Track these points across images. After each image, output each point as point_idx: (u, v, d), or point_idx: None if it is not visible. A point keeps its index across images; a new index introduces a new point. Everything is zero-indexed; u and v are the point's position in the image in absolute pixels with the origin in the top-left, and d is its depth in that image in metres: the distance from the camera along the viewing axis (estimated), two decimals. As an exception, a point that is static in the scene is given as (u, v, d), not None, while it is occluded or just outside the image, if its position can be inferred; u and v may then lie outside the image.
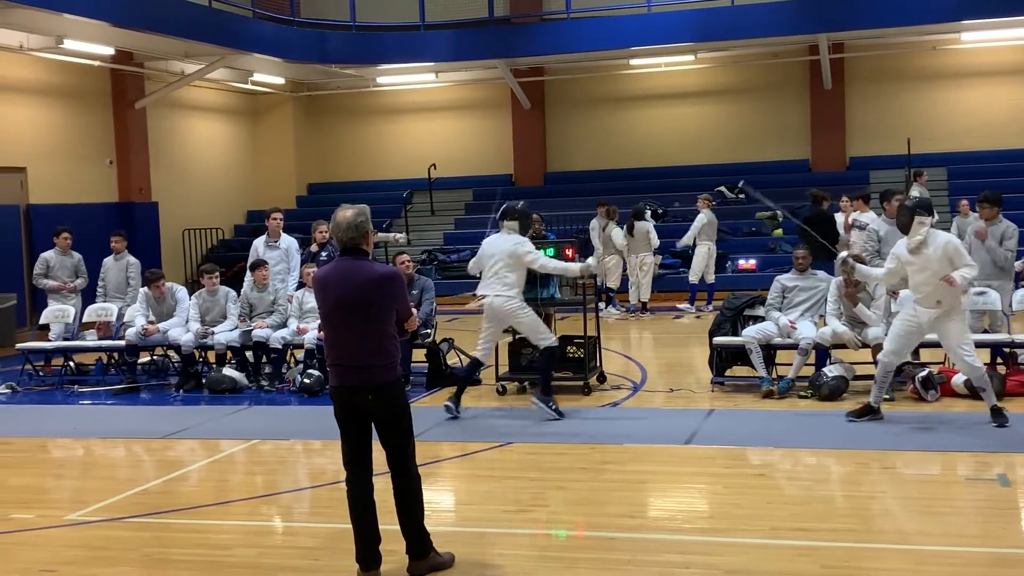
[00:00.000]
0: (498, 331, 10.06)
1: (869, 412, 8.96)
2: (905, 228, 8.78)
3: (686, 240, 18.09)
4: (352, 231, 5.73)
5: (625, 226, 17.97)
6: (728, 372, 11.00)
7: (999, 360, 10.35)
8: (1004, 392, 9.69)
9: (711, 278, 18.00)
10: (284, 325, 11.96)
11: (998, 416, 8.67)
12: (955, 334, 8.73)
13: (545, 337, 9.79)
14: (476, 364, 10.15)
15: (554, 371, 10.31)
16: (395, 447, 5.73)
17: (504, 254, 9.70)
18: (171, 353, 12.73)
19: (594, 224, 18.05)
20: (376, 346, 5.63)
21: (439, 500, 7.78)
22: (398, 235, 14.85)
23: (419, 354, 11.70)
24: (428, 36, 22.30)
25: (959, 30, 20.90)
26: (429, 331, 11.62)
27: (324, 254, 13.06)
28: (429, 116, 25.77)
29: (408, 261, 11.80)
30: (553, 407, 9.62)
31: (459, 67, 23.69)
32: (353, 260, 5.74)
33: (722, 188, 22.36)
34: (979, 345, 10.48)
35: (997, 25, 20.38)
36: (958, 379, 9.83)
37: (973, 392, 9.68)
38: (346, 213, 5.78)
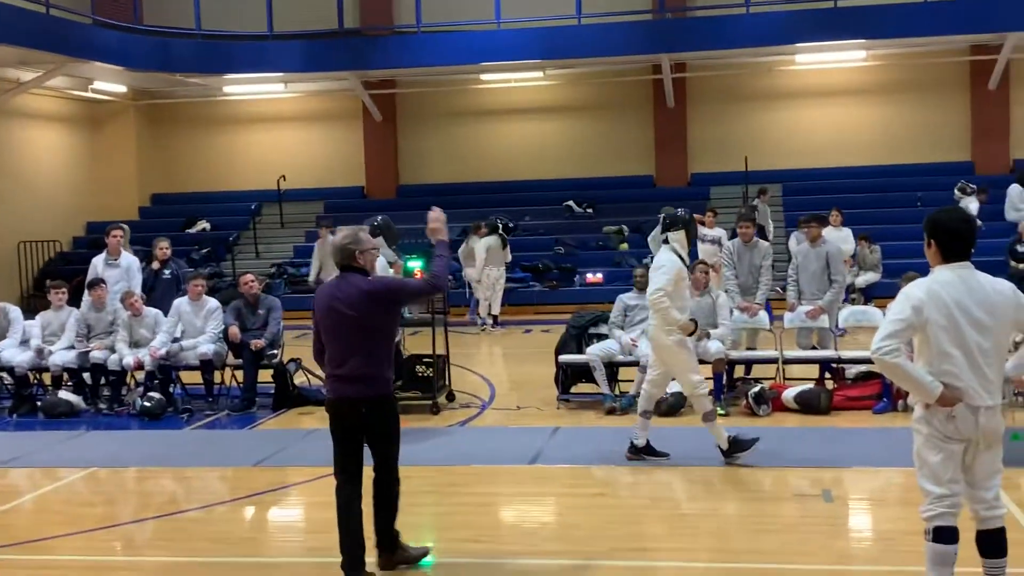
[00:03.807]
0: None
1: None
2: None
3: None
4: (339, 254, 6.04)
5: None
6: (574, 389, 11.24)
7: (827, 375, 10.86)
8: (831, 407, 10.19)
9: None
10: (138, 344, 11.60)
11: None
12: None
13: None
14: None
15: (402, 391, 10.42)
16: (383, 454, 6.11)
17: None
18: (3, 375, 12.23)
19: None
20: (366, 359, 5.90)
21: (285, 529, 7.76)
22: None
23: (266, 375, 11.58)
24: (276, 46, 22.08)
25: (794, 52, 21.85)
26: (276, 352, 11.50)
27: (167, 272, 12.79)
28: (278, 127, 25.46)
29: (252, 281, 11.66)
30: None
31: (309, 78, 23.50)
32: (345, 277, 6.02)
33: (570, 203, 22.78)
34: (808, 361, 11.08)
35: (829, 48, 21.40)
36: (789, 394, 10.30)
37: (804, 407, 10.19)
38: (337, 237, 6.11)
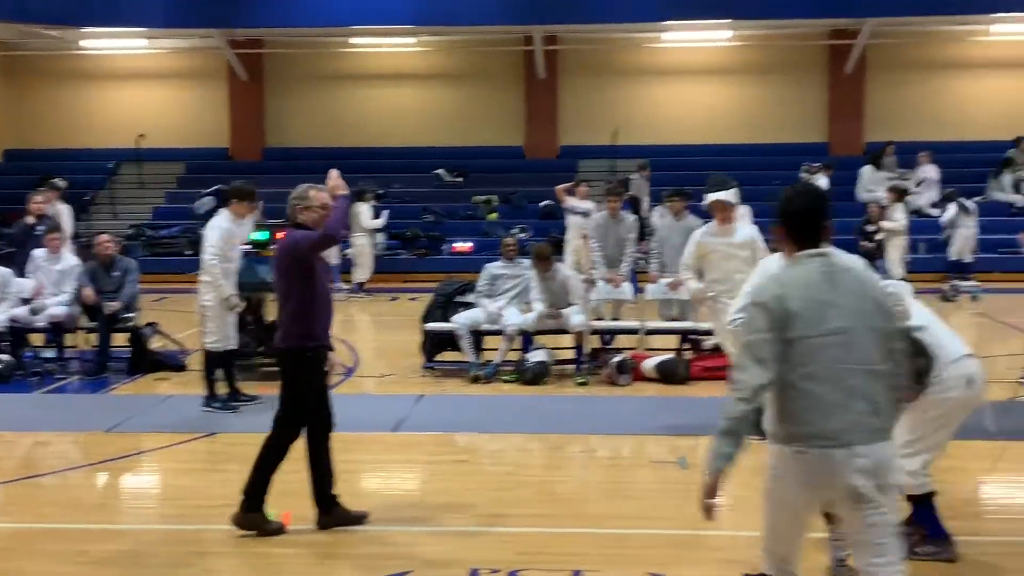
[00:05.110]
0: None
1: None
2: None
3: None
4: (288, 209, 6.39)
5: None
6: (439, 357, 11.23)
7: (686, 346, 11.10)
8: (690, 376, 10.43)
9: None
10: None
11: None
12: None
13: None
14: None
15: (264, 357, 10.25)
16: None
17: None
18: None
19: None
20: (280, 312, 6.33)
21: (138, 496, 7.57)
22: None
23: (121, 338, 11.24)
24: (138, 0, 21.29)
25: (661, 30, 22.18)
26: (132, 315, 11.17)
27: (41, 227, 12.24)
28: (139, 83, 24.62)
29: (108, 241, 11.28)
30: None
31: (172, 34, 22.78)
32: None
33: (440, 171, 22.69)
34: (668, 332, 11.30)
35: (695, 27, 21.82)
36: (649, 364, 10.50)
37: (663, 376, 10.41)
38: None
